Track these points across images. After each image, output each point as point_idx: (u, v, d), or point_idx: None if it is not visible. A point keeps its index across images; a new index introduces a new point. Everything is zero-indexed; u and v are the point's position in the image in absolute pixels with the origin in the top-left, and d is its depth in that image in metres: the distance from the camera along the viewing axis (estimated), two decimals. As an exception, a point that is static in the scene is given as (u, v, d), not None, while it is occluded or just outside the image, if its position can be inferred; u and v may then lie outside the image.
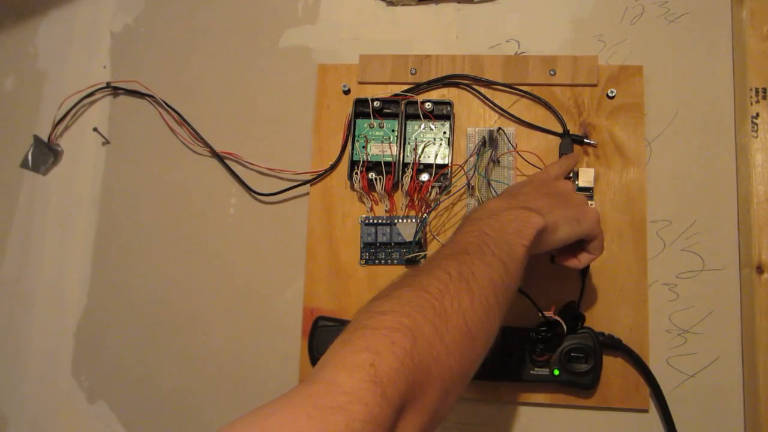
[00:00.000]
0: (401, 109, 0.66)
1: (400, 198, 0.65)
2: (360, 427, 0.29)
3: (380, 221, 0.65)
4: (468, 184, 0.64)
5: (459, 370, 0.36)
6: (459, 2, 0.70)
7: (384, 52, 0.69)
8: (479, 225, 0.45)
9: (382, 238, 0.64)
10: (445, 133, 0.65)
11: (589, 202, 0.62)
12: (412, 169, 0.64)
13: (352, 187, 0.66)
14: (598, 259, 0.61)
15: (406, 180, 0.64)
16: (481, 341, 0.38)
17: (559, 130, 0.64)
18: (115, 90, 0.75)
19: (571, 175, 0.62)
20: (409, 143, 0.66)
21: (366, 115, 0.66)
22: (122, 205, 0.72)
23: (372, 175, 0.65)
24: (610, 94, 0.64)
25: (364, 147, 0.66)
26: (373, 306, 0.36)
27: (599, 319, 0.61)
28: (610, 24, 0.67)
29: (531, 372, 0.59)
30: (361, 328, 0.34)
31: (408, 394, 0.32)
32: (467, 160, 0.64)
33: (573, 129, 0.64)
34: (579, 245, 0.53)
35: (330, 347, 0.33)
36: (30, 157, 0.74)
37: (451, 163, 0.65)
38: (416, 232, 0.63)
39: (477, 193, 0.64)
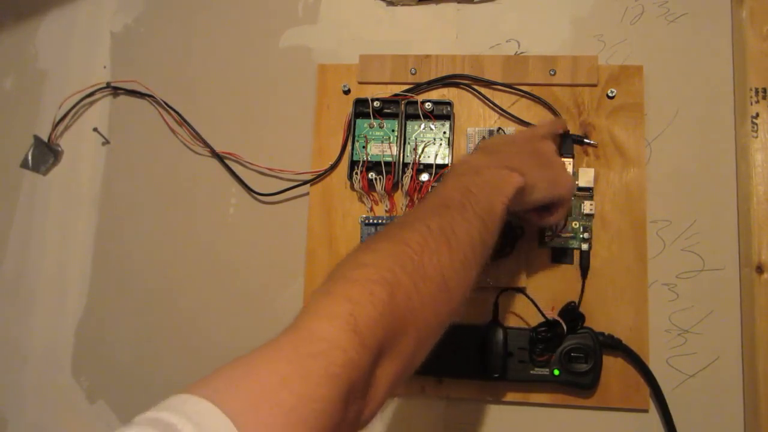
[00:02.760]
0: (401, 109, 0.66)
1: (400, 198, 0.65)
2: (339, 372, 0.30)
3: (380, 221, 0.65)
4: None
5: (435, 321, 0.38)
6: (459, 2, 0.70)
7: (384, 52, 0.69)
8: (462, 181, 0.46)
9: (382, 238, 0.64)
10: (445, 133, 0.65)
11: (589, 203, 0.62)
12: (412, 169, 0.64)
13: (352, 187, 0.66)
14: (599, 259, 0.62)
15: (406, 180, 0.64)
16: (457, 295, 0.40)
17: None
18: (115, 90, 0.75)
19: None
20: (409, 143, 0.66)
21: (366, 115, 0.66)
22: (122, 205, 0.72)
23: (372, 175, 0.65)
24: (610, 94, 0.64)
25: (364, 147, 0.66)
26: (354, 258, 0.37)
27: (599, 319, 0.61)
28: (610, 24, 0.67)
29: (531, 372, 0.59)
30: (342, 279, 0.35)
31: (385, 342, 0.34)
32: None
33: (573, 129, 0.64)
34: (546, 206, 0.54)
35: (311, 297, 0.34)
36: (30, 157, 0.74)
37: (451, 163, 0.65)
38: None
39: (477, 193, 0.64)
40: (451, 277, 0.39)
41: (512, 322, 0.61)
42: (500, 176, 0.47)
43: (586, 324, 0.59)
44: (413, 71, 0.68)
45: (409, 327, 0.35)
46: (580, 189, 0.62)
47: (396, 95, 0.67)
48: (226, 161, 0.71)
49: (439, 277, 0.38)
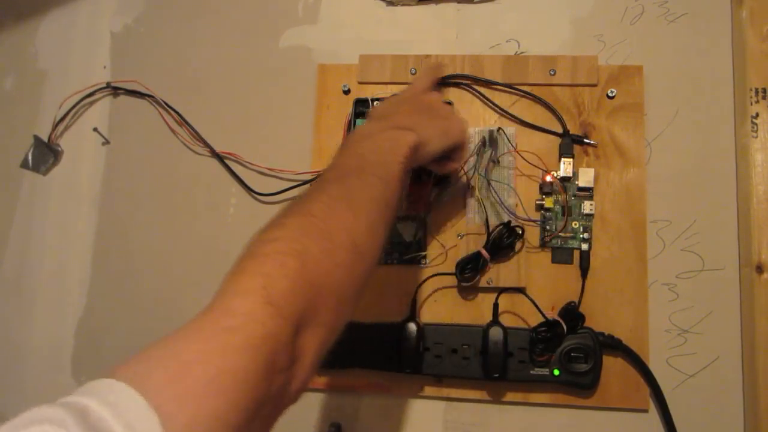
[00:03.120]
0: (401, 109, 0.66)
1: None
2: (259, 344, 0.30)
3: (380, 221, 0.65)
4: (468, 184, 0.64)
5: (350, 284, 0.39)
6: (459, 2, 0.70)
7: (384, 52, 0.69)
8: (355, 149, 0.48)
9: (382, 238, 0.64)
10: (445, 133, 0.65)
11: (589, 203, 0.62)
12: (412, 169, 0.64)
13: (352, 187, 0.66)
14: (599, 259, 0.62)
15: (406, 180, 0.64)
16: (369, 255, 0.41)
17: (559, 130, 0.64)
18: (115, 90, 0.75)
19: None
20: (409, 143, 0.66)
21: (366, 115, 0.66)
22: (122, 205, 0.72)
23: (372, 175, 0.65)
24: (610, 94, 0.64)
25: (364, 147, 0.66)
26: (262, 235, 0.38)
27: (599, 319, 0.61)
28: (610, 24, 0.67)
29: (531, 372, 0.59)
30: (253, 256, 0.36)
31: (304, 311, 0.34)
32: (467, 160, 0.64)
33: (573, 129, 0.64)
34: (445, 155, 0.56)
35: (224, 278, 0.35)
36: (30, 157, 0.74)
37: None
38: (416, 232, 0.63)
39: (477, 193, 0.64)
40: (361, 241, 0.40)
41: (512, 322, 0.61)
42: (392, 138, 0.49)
43: (586, 324, 0.59)
44: (413, 71, 0.68)
45: (326, 293, 0.36)
46: (580, 189, 0.62)
47: (396, 95, 0.67)
48: (226, 161, 0.71)
49: (348, 240, 0.39)
